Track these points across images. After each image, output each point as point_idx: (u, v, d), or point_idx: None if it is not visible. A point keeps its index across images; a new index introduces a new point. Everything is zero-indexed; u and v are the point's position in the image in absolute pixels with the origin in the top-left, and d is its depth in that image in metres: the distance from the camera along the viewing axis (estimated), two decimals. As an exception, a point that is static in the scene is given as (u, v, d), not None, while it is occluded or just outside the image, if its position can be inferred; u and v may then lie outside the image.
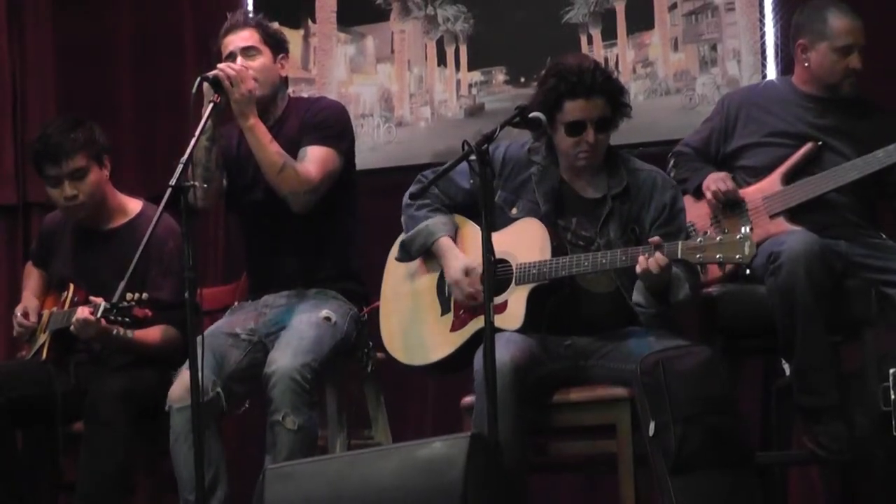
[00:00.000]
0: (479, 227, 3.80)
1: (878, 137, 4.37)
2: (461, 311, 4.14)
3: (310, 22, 6.00)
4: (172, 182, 3.71)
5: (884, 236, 4.42)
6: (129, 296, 4.24)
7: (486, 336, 3.54)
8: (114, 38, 6.17)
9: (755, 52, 5.36)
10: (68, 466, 4.55)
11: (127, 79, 6.14)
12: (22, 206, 6.03)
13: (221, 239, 5.96)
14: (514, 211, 4.12)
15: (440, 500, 3.38)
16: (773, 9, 5.33)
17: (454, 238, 4.18)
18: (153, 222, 3.81)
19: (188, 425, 3.88)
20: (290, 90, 4.54)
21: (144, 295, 4.30)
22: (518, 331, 3.97)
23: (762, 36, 5.35)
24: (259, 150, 4.20)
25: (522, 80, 5.65)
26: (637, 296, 3.97)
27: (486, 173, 3.67)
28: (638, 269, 3.83)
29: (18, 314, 4.71)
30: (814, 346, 4.13)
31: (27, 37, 6.09)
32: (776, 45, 5.28)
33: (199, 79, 4.08)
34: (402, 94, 5.89)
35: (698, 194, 4.49)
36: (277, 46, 4.40)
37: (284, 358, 4.05)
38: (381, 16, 5.92)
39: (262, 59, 4.34)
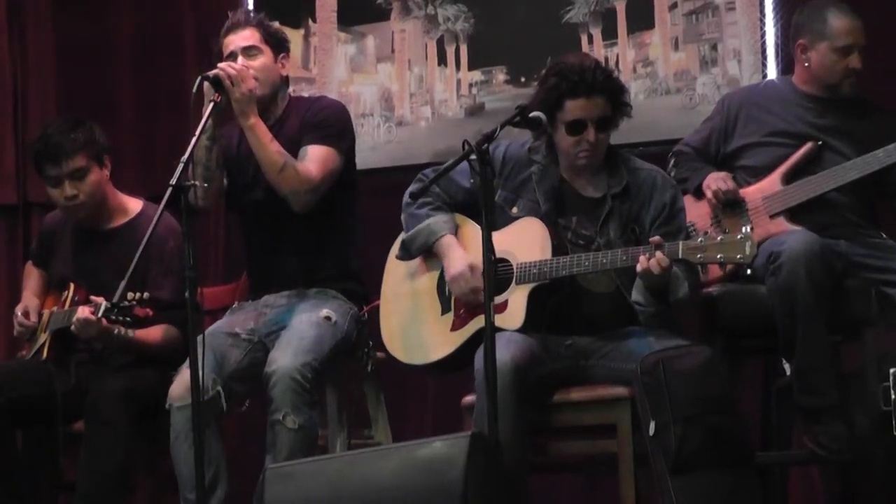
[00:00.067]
0: (479, 227, 3.80)
1: (878, 137, 4.37)
2: (461, 311, 4.14)
3: (310, 21, 6.00)
4: (173, 181, 3.71)
5: (884, 236, 4.42)
6: (129, 295, 4.25)
7: (487, 336, 3.54)
8: (114, 38, 6.17)
9: (755, 51, 5.36)
10: (68, 466, 4.55)
11: (127, 79, 6.14)
12: (22, 206, 6.03)
13: (222, 238, 5.96)
14: (514, 210, 4.12)
15: (440, 499, 3.38)
16: (774, 8, 5.33)
17: (455, 237, 4.18)
18: (153, 222, 3.81)
19: (188, 424, 3.88)
20: (290, 90, 4.54)
21: (145, 294, 4.30)
22: (518, 330, 3.97)
23: (762, 35, 5.35)
24: (259, 150, 4.20)
25: (523, 79, 5.66)
26: (636, 295, 3.97)
27: (486, 173, 3.67)
28: (638, 268, 3.83)
29: (19, 314, 4.71)
30: (814, 345, 4.13)
31: (27, 37, 6.09)
32: (776, 44, 5.28)
33: (199, 78, 4.08)
34: (402, 93, 5.89)
35: (698, 194, 4.49)
36: (278, 46, 4.40)
37: (285, 357, 4.05)
38: (382, 15, 5.93)
39: (263, 59, 4.34)
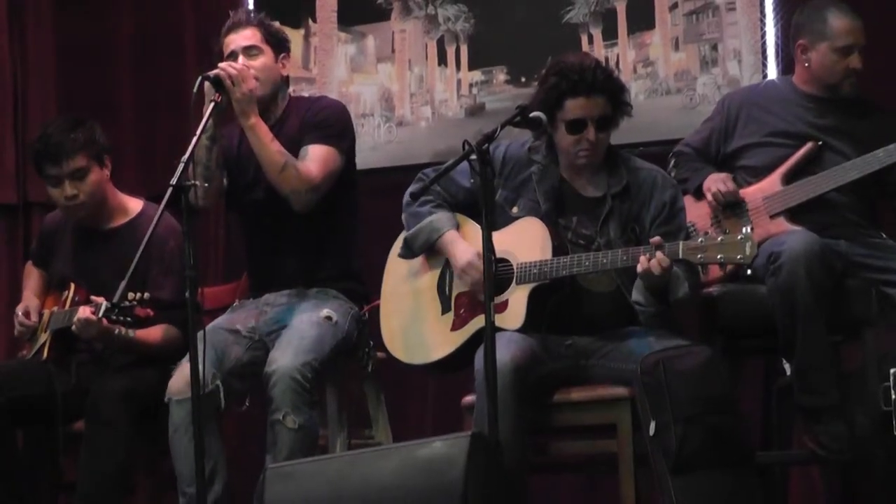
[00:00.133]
0: (479, 226, 3.80)
1: (879, 137, 4.37)
2: (462, 310, 4.14)
3: (310, 21, 6.00)
4: (173, 181, 3.71)
5: (884, 236, 4.42)
6: (130, 295, 4.25)
7: (487, 335, 3.54)
8: (114, 38, 6.17)
9: (756, 51, 5.36)
10: (68, 466, 4.55)
11: (127, 79, 6.14)
12: (22, 206, 6.03)
13: (222, 238, 5.96)
14: (514, 210, 4.12)
15: (440, 499, 3.38)
16: (774, 9, 5.33)
17: (458, 233, 4.18)
18: (154, 221, 3.81)
19: (188, 417, 3.89)
20: (290, 90, 4.54)
21: (146, 294, 4.30)
22: (519, 330, 3.97)
23: (763, 36, 5.35)
24: (260, 149, 4.20)
25: (523, 79, 5.66)
26: (636, 294, 3.97)
27: (486, 172, 3.67)
28: (639, 268, 3.83)
29: (19, 313, 4.71)
30: (814, 345, 4.13)
31: (28, 37, 6.09)
32: (777, 44, 5.28)
33: (200, 78, 4.08)
34: (402, 93, 5.89)
35: (699, 194, 4.49)
36: (279, 46, 4.40)
37: (285, 357, 4.05)
38: (382, 15, 5.93)
39: (264, 59, 4.34)
